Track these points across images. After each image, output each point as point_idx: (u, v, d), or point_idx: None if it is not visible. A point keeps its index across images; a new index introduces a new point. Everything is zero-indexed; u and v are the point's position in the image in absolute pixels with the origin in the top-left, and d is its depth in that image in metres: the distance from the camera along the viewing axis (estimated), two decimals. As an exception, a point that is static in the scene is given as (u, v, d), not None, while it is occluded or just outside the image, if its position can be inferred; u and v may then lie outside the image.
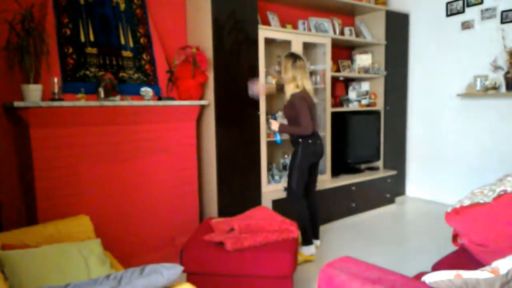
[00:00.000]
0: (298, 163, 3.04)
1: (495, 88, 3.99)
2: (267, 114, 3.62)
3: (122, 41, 2.98)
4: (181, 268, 1.57)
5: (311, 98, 3.03)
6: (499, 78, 4.00)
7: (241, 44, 3.35)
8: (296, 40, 3.74)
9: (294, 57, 3.02)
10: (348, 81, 4.74)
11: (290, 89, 3.02)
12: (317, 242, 3.27)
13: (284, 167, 4.00)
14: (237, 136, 3.39)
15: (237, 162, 3.40)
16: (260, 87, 3.25)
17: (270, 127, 3.14)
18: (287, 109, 3.05)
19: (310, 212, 3.14)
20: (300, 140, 3.02)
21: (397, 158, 4.87)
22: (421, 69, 4.79)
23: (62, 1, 2.71)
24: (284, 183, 3.72)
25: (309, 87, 3.04)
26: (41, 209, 2.46)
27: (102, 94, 2.69)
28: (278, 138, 3.17)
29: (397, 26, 4.71)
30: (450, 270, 1.20)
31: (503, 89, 3.97)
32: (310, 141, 3.02)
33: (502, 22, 4.00)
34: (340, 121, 4.25)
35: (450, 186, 4.56)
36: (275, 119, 3.19)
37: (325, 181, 4.04)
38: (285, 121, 3.19)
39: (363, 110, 4.53)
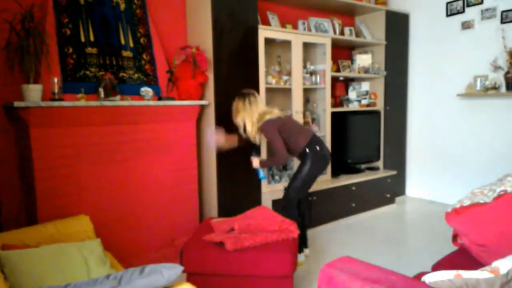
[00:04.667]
0: (307, 172, 2.93)
1: (495, 88, 3.99)
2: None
3: (122, 41, 2.98)
4: (181, 268, 1.57)
5: (278, 118, 2.92)
6: (499, 78, 4.00)
7: (241, 44, 3.35)
8: (296, 40, 3.74)
9: (243, 97, 2.96)
10: (348, 81, 4.74)
11: (253, 125, 2.93)
12: (306, 251, 3.17)
13: (284, 167, 4.00)
14: (237, 135, 3.38)
15: (237, 162, 3.39)
16: (219, 137, 3.10)
17: (252, 165, 3.02)
18: (267, 142, 2.96)
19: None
20: (307, 150, 2.93)
21: (397, 158, 4.87)
22: (421, 69, 4.79)
23: (62, 1, 2.71)
24: (284, 183, 3.72)
25: (272, 114, 2.91)
26: (41, 209, 2.46)
27: (102, 94, 2.69)
28: (261, 174, 3.05)
29: (397, 26, 4.71)
30: (450, 270, 1.20)
31: (503, 89, 3.97)
32: (317, 147, 2.94)
33: (502, 22, 4.00)
34: (340, 121, 4.25)
35: (450, 186, 4.56)
36: (256, 155, 3.04)
37: (325, 181, 4.04)
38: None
39: (363, 110, 4.53)
